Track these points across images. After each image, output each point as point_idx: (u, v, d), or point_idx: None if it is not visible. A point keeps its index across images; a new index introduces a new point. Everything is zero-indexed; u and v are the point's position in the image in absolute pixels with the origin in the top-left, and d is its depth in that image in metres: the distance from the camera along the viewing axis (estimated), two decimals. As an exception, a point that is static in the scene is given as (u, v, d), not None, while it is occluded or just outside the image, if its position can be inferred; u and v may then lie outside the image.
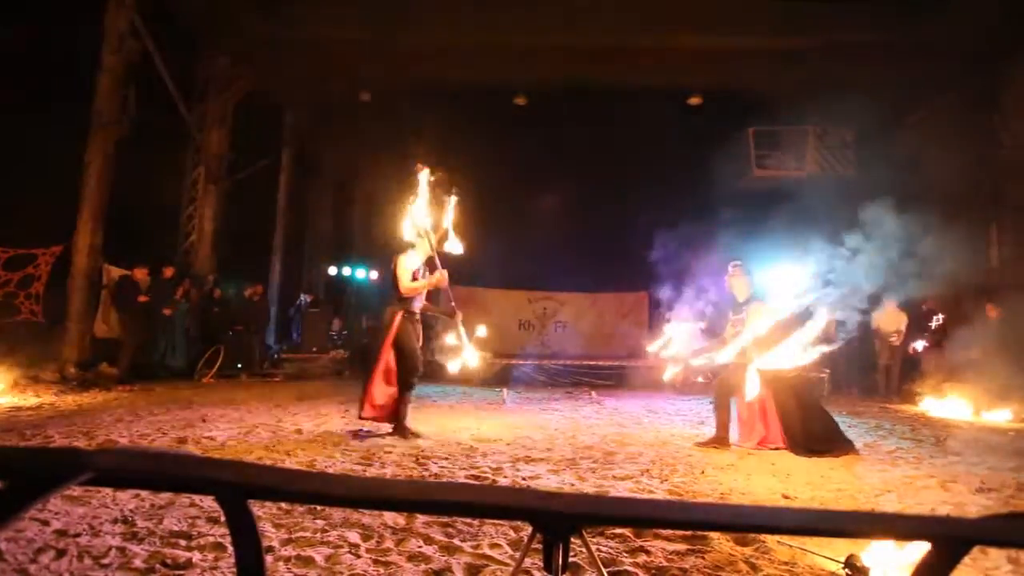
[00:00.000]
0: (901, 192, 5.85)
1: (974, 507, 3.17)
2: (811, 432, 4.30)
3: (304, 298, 11.91)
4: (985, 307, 7.77)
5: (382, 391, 4.46)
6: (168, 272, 8.75)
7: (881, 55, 9.13)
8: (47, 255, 8.20)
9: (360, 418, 4.54)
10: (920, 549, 0.52)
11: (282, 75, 10.84)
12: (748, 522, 0.55)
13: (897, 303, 8.56)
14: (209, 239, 10.17)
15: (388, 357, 4.46)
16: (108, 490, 2.78)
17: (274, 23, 9.50)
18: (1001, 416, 6.38)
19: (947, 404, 6.89)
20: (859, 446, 4.55)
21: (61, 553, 2.17)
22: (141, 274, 8.08)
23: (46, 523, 2.43)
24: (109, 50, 8.14)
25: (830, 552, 2.24)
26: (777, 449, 4.38)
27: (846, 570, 2.06)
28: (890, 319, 8.65)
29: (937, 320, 8.94)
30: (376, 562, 2.19)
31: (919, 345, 8.73)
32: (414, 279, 4.47)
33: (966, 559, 0.51)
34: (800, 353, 4.29)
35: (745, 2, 9.09)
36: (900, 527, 0.55)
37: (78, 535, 2.34)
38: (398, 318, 4.47)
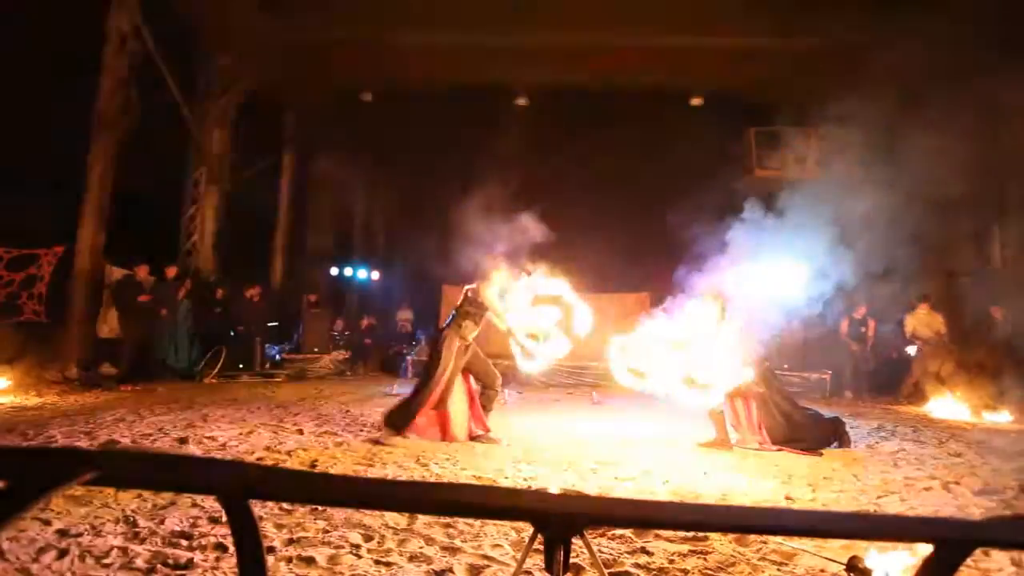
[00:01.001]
0: (903, 193, 5.83)
1: (977, 509, 3.16)
2: (798, 428, 4.42)
3: (306, 299, 11.93)
4: (989, 308, 7.75)
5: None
6: (171, 272, 8.76)
7: (881, 54, 9.12)
8: (49, 255, 8.21)
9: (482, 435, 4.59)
10: (923, 551, 0.52)
11: (284, 75, 10.85)
12: (750, 523, 0.55)
13: (929, 304, 8.03)
14: (211, 239, 10.19)
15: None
16: (110, 490, 2.79)
17: (276, 23, 9.51)
18: (1004, 417, 6.37)
19: (949, 405, 6.87)
20: (861, 447, 4.56)
21: (63, 553, 2.17)
22: (143, 272, 8.08)
23: (48, 523, 2.43)
24: (111, 51, 8.15)
25: (832, 554, 2.24)
26: (780, 451, 4.39)
27: (848, 572, 2.06)
28: (925, 322, 8.01)
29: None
30: (378, 563, 2.19)
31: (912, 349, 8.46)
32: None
33: (968, 561, 0.50)
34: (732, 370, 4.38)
35: (746, 2, 9.09)
36: (902, 529, 0.55)
37: (80, 535, 2.34)
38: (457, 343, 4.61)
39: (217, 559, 2.16)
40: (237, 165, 10.72)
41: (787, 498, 3.27)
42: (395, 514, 2.57)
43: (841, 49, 9.16)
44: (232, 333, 9.25)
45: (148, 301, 7.83)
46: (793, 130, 11.64)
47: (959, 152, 7.44)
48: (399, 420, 4.48)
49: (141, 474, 0.47)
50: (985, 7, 8.06)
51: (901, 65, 8.59)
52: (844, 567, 2.08)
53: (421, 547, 2.33)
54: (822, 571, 2.18)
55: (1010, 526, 0.49)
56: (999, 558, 2.24)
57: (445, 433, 4.48)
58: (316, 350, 10.67)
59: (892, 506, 3.16)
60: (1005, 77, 7.90)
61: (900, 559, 1.98)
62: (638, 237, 11.92)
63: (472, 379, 4.72)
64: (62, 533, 2.35)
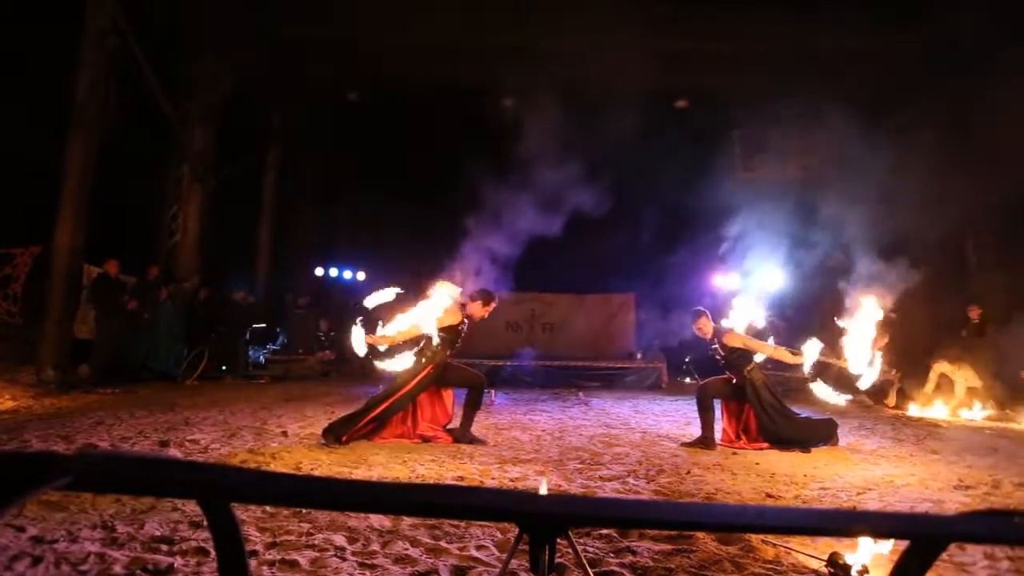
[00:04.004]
0: (882, 195, 5.94)
1: (953, 504, 3.24)
2: (792, 429, 4.52)
3: (295, 299, 11.80)
4: (966, 309, 7.91)
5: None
6: (153, 272, 8.60)
7: (860, 61, 9.31)
8: (25, 255, 8.01)
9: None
10: (901, 545, 0.53)
11: (268, 73, 10.72)
12: (733, 521, 0.55)
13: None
14: (194, 239, 10.01)
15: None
16: (87, 495, 2.73)
17: (260, 20, 9.40)
18: (978, 415, 6.52)
19: (926, 403, 7.00)
20: (842, 445, 4.65)
21: (38, 560, 2.12)
22: (114, 268, 7.91)
23: (22, 529, 2.37)
24: (90, 46, 7.98)
25: (813, 550, 2.28)
26: (762, 449, 4.45)
27: (829, 568, 2.09)
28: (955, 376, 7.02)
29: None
30: (362, 565, 2.18)
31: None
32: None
33: (943, 555, 0.52)
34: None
35: (727, 7, 9.22)
36: (881, 525, 0.56)
37: (55, 541, 2.29)
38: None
39: (198, 564, 2.13)
40: (221, 164, 10.56)
41: (769, 496, 3.31)
42: (380, 516, 2.56)
43: (821, 55, 9.32)
44: (213, 334, 9.10)
45: (132, 304, 7.65)
46: (777, 132, 11.80)
47: (935, 155, 7.58)
48: (340, 430, 4.35)
49: (119, 478, 0.46)
50: (959, 18, 8.25)
51: (878, 71, 8.75)
52: (825, 563, 2.12)
53: (406, 549, 2.32)
54: (804, 568, 2.21)
55: (983, 521, 0.50)
56: (973, 551, 2.29)
57: (383, 435, 4.48)
58: (301, 351, 10.57)
59: (871, 503, 3.22)
60: (979, 84, 8.07)
61: (879, 554, 2.02)
62: (624, 238, 11.98)
63: (450, 387, 4.79)
64: (37, 540, 2.30)
